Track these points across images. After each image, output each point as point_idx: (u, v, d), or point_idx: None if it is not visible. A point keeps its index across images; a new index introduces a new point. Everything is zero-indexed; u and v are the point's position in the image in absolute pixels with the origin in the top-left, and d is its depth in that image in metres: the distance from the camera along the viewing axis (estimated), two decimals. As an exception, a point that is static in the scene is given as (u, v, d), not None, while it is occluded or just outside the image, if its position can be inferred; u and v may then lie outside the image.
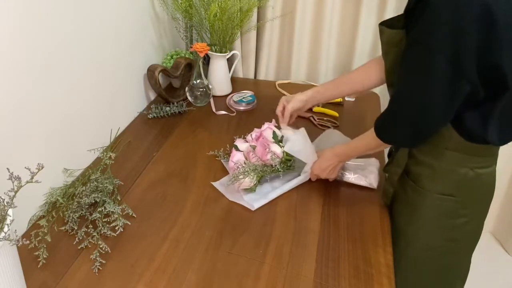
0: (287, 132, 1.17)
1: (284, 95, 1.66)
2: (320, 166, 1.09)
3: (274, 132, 1.15)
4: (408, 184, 1.00)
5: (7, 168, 0.75)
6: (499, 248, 2.03)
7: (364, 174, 1.13)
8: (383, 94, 1.68)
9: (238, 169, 1.08)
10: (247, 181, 1.07)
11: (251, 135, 1.20)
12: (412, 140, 0.90)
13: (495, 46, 0.74)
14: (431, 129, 0.86)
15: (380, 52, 1.67)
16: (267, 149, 1.10)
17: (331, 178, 1.13)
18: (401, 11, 0.95)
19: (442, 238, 1.00)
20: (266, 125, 1.19)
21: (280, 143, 1.14)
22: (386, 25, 0.93)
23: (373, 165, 1.15)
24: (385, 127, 0.92)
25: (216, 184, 1.14)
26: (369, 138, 0.97)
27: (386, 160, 1.12)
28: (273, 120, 1.21)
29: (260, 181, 1.12)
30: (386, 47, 0.93)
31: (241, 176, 1.06)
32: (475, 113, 0.83)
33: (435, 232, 0.99)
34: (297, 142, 1.11)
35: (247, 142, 1.19)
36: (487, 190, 0.97)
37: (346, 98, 1.60)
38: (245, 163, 1.12)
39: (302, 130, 1.16)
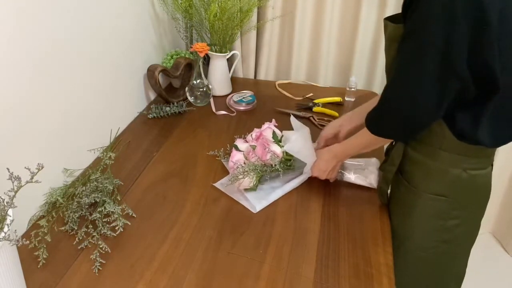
0: (287, 132, 1.17)
1: (284, 95, 1.66)
2: (319, 168, 1.09)
3: (274, 132, 1.15)
4: (402, 183, 1.00)
5: (7, 168, 0.75)
6: (499, 248, 2.03)
7: (364, 174, 1.13)
8: (383, 94, 1.67)
9: (238, 168, 1.08)
10: (247, 181, 1.07)
11: (251, 135, 1.20)
12: (401, 133, 0.91)
13: (486, 44, 0.74)
14: (420, 123, 0.85)
15: (380, 52, 1.69)
16: (267, 149, 1.10)
17: (331, 179, 1.12)
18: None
19: (435, 239, 1.00)
20: (266, 125, 1.19)
21: (280, 143, 1.14)
22: (390, 20, 0.93)
23: (373, 165, 1.15)
24: (374, 118, 0.92)
25: (217, 184, 1.14)
26: (365, 134, 0.97)
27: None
28: (273, 120, 1.21)
29: (260, 180, 1.12)
30: (388, 42, 0.93)
31: (240, 176, 1.06)
32: (467, 113, 0.84)
33: (427, 233, 0.99)
34: (297, 142, 1.11)
35: (247, 142, 1.19)
36: (481, 192, 0.97)
37: (346, 98, 1.60)
38: (244, 163, 1.11)
39: (303, 130, 1.16)
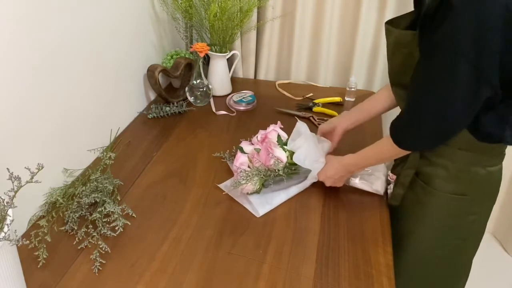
0: (295, 132, 1.15)
1: (284, 95, 1.66)
2: (326, 174, 1.08)
3: (278, 135, 1.14)
4: (418, 184, 0.99)
5: (7, 168, 0.75)
6: (499, 248, 2.03)
7: (371, 180, 1.10)
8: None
9: (241, 173, 1.07)
10: (250, 186, 1.06)
11: (256, 137, 1.19)
12: (431, 144, 0.90)
13: None
14: (451, 133, 0.85)
15: (380, 52, 1.68)
16: (270, 154, 1.08)
17: (338, 185, 1.11)
18: (401, 11, 0.95)
19: (452, 236, 1.00)
20: (271, 127, 1.17)
21: (285, 146, 1.12)
22: (392, 24, 0.92)
23: (380, 171, 1.12)
24: (404, 133, 0.90)
25: (221, 186, 1.13)
26: (382, 146, 0.96)
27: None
28: (278, 122, 1.20)
29: (264, 184, 1.10)
30: (393, 47, 0.92)
31: (243, 182, 1.05)
32: (493, 114, 0.84)
33: (445, 231, 1.00)
34: (303, 150, 1.09)
35: (252, 144, 1.18)
36: (495, 187, 0.98)
37: (346, 98, 1.60)
38: (249, 166, 1.11)
39: (309, 136, 1.13)
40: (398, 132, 0.91)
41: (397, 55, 0.92)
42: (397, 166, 1.05)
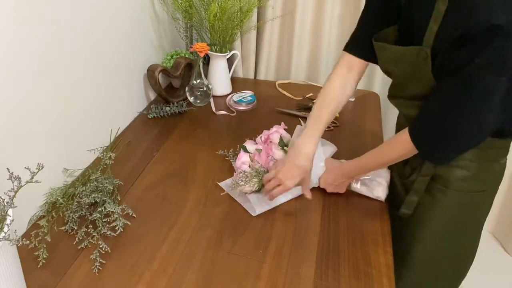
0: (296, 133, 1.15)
1: (284, 95, 1.66)
2: (326, 181, 1.08)
3: (281, 138, 1.14)
4: (436, 188, 0.98)
5: (7, 168, 0.75)
6: (499, 248, 2.03)
7: (372, 186, 1.09)
8: (383, 94, 1.68)
9: (240, 174, 1.07)
10: (248, 188, 1.06)
11: (260, 137, 1.19)
12: (454, 155, 0.89)
13: None
14: (482, 141, 0.86)
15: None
16: (270, 157, 1.08)
17: (340, 192, 1.10)
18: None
19: (471, 229, 1.03)
20: (274, 128, 1.18)
21: (286, 147, 1.12)
22: (382, 40, 0.92)
23: (382, 177, 1.10)
24: (440, 152, 0.88)
25: (221, 184, 1.13)
26: (382, 152, 0.96)
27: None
28: (282, 123, 1.20)
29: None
30: (391, 63, 0.92)
31: (242, 183, 1.05)
32: (506, 114, 0.84)
33: (459, 228, 1.01)
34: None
35: (256, 143, 1.18)
36: (501, 177, 1.00)
37: (346, 98, 1.60)
38: (250, 166, 1.11)
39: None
40: (432, 151, 0.89)
41: (397, 69, 0.92)
42: (411, 173, 1.02)
